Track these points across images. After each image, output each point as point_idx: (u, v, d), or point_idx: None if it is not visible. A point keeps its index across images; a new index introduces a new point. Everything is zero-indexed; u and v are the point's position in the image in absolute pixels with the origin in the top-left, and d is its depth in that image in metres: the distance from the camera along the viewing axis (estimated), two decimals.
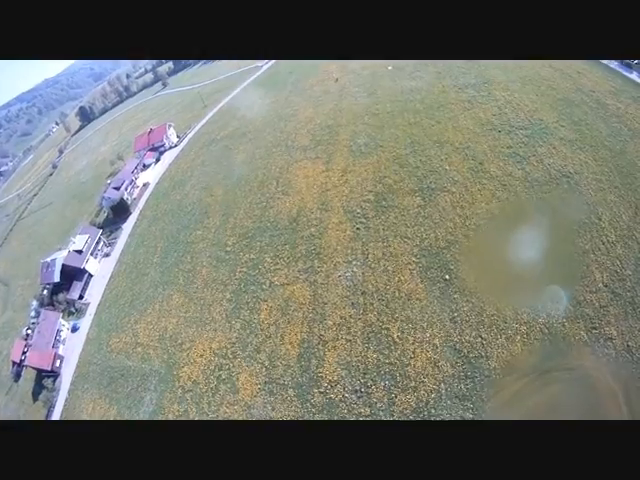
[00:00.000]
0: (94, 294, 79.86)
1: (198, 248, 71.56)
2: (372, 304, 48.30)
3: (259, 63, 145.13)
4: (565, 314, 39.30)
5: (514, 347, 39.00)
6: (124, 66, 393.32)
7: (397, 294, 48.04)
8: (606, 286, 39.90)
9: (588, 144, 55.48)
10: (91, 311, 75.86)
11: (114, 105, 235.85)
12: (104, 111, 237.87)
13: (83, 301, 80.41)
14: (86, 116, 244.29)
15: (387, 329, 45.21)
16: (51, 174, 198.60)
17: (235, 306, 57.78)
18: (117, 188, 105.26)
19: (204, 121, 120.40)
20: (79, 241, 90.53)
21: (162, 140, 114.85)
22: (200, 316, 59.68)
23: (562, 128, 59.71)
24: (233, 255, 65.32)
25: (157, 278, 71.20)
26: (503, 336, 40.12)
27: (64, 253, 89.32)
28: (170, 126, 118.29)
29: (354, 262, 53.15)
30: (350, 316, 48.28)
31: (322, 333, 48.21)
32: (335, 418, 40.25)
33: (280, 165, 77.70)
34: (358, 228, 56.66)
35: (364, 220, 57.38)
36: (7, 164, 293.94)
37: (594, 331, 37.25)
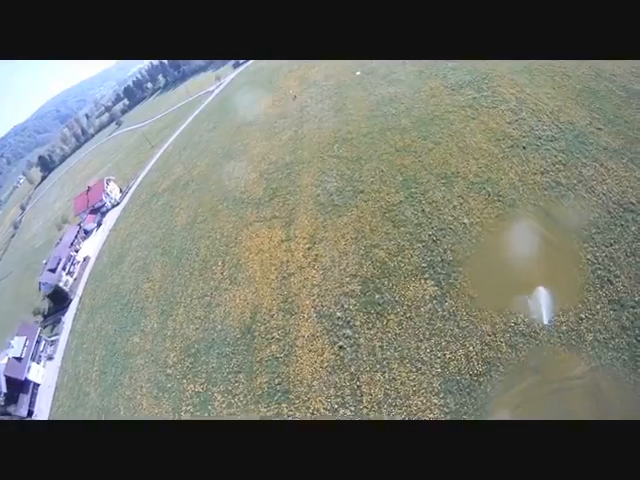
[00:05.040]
0: (43, 408, 65.68)
1: (136, 364, 53.19)
2: None
3: (211, 87, 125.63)
4: None
5: None
6: (88, 104, 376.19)
7: None
8: None
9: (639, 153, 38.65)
10: None
11: (73, 151, 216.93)
12: (64, 158, 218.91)
13: (34, 417, 65.29)
14: (46, 165, 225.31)
15: None
16: (13, 235, 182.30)
17: None
18: (53, 270, 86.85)
19: (149, 166, 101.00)
20: (17, 345, 74.99)
21: (102, 199, 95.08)
22: None
23: (600, 132, 42.25)
24: (176, 383, 45.91)
25: (97, 403, 54.19)
26: None
27: (5, 360, 74.62)
28: (109, 181, 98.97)
29: (341, 410, 32.74)
30: None
31: None
32: None
33: (227, 232, 57.27)
34: (342, 347, 36.02)
35: (349, 332, 36.63)
36: None
37: None
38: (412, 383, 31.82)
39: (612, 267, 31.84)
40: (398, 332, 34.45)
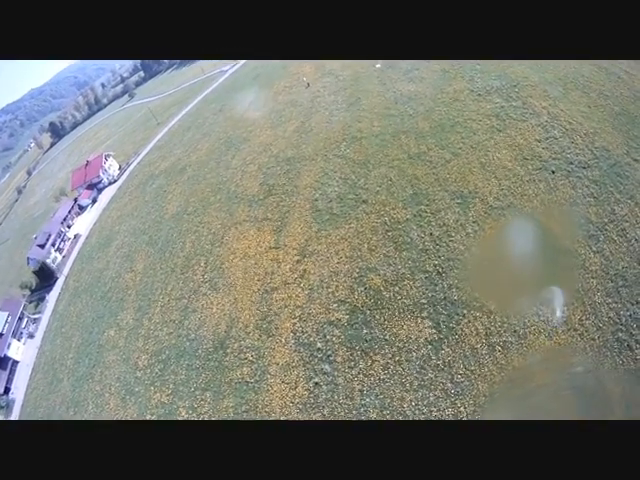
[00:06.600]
0: (20, 387, 65.24)
1: (109, 360, 50.37)
2: None
3: (225, 67, 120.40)
4: None
5: None
6: (106, 72, 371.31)
7: None
8: None
9: None
10: (16, 412, 62.15)
11: (84, 119, 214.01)
12: (75, 126, 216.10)
13: (10, 395, 64.97)
14: (57, 132, 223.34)
15: None
16: (17, 200, 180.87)
17: None
18: (42, 245, 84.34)
19: (152, 144, 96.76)
20: None
21: (99, 175, 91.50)
22: None
23: (637, 165, 36.94)
24: (143, 388, 42.85)
25: (69, 393, 52.34)
26: None
27: None
28: (109, 157, 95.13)
29: None
30: None
31: None
32: None
33: (214, 229, 53.00)
34: (317, 383, 31.70)
35: (328, 368, 32.19)
36: None
37: None
38: None
39: (635, 330, 27.16)
40: (383, 377, 29.93)
